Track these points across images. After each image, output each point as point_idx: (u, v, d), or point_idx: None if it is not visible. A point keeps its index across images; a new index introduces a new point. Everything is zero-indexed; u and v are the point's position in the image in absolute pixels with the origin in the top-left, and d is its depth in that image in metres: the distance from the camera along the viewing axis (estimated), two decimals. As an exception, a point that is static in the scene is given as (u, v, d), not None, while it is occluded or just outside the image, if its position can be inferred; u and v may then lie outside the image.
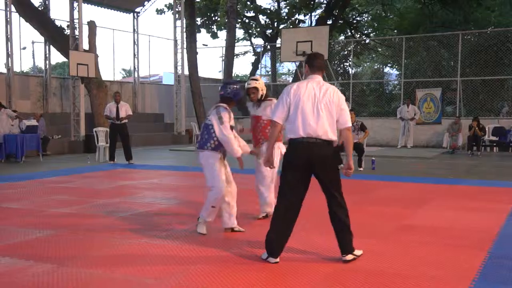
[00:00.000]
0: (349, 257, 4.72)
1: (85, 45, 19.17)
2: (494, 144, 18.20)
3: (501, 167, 13.65)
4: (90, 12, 77.28)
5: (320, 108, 4.67)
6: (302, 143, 4.66)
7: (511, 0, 26.72)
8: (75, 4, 18.60)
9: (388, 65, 36.13)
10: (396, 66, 32.44)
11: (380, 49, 35.50)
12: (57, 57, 60.52)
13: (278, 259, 4.70)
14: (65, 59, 24.13)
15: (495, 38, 23.56)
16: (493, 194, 8.69)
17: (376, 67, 40.34)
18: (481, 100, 22.08)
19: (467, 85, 21.78)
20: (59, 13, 41.53)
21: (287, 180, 4.73)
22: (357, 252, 4.79)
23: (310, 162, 4.67)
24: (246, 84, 6.50)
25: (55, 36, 20.28)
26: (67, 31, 19.74)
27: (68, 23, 19.42)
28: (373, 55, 38.21)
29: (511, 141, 17.77)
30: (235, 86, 5.94)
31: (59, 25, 20.89)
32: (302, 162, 4.68)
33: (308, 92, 4.73)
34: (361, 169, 12.15)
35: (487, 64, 21.82)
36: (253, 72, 33.67)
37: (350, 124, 4.82)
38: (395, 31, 32.66)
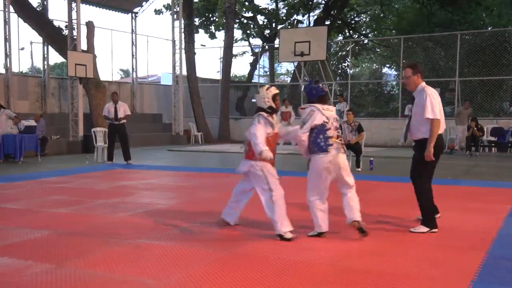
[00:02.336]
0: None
1: (83, 46, 19.16)
2: (493, 144, 18.22)
3: (500, 168, 13.66)
4: (88, 12, 77.26)
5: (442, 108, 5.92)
6: (441, 137, 5.93)
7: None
8: (73, 5, 18.58)
9: (387, 65, 36.15)
10: (394, 67, 32.46)
11: (378, 50, 35.50)
12: (55, 57, 60.36)
13: None
14: (63, 60, 24.19)
15: (493, 38, 23.58)
16: (492, 195, 8.70)
17: (374, 67, 40.37)
18: (480, 101, 22.10)
19: (465, 85, 21.80)
20: (58, 14, 41.59)
21: (433, 166, 5.98)
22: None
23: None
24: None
25: (53, 37, 20.29)
26: (65, 32, 19.73)
27: (66, 24, 19.40)
28: (372, 56, 38.23)
29: (509, 141, 17.78)
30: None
31: (57, 26, 20.89)
32: (441, 152, 6.05)
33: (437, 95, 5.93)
34: (359, 169, 12.15)
35: (485, 65, 21.83)
36: (251, 73, 33.69)
37: None
38: (394, 31, 32.68)
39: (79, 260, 4.80)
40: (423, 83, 5.97)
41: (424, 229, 5.87)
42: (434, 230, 5.87)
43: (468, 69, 22.87)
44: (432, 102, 5.74)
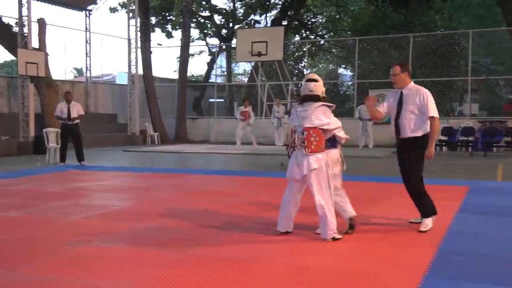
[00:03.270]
0: None
1: (35, 43, 18.73)
2: (444, 143, 18.67)
3: (450, 166, 14.00)
4: (39, 9, 75.50)
5: None
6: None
7: (463, 3, 27.52)
8: (24, 1, 18.13)
9: (342, 66, 36.66)
10: (350, 67, 32.93)
11: (334, 50, 35.94)
12: (4, 55, 58.79)
13: None
14: (13, 58, 23.53)
15: (443, 40, 24.20)
16: (442, 192, 8.87)
17: (330, 68, 40.87)
18: (431, 101, 22.60)
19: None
20: (7, 10, 40.50)
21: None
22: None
23: None
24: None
25: (2, 34, 19.74)
26: (16, 29, 19.23)
27: (17, 20, 18.92)
28: (328, 56, 38.69)
29: (459, 140, 18.25)
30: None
31: (6, 22, 20.34)
32: None
33: None
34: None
35: (436, 66, 22.38)
36: (208, 73, 33.57)
37: None
38: (349, 32, 33.13)
39: (31, 264, 4.68)
40: (412, 82, 6.11)
41: (430, 222, 5.97)
42: (435, 215, 6.07)
43: (420, 70, 23.35)
44: (432, 101, 5.93)
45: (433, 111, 5.91)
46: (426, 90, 6.02)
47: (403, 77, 6.05)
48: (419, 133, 6.01)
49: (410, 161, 6.18)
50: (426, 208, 6.06)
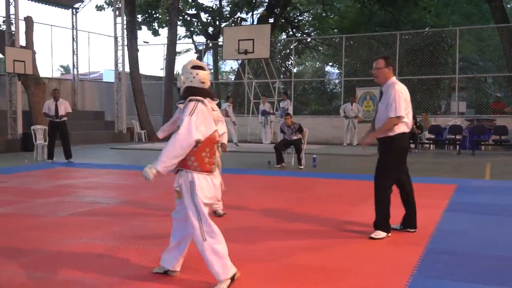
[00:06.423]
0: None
1: (22, 41, 18.61)
2: (431, 141, 18.79)
3: (437, 164, 14.10)
4: (27, 7, 74.93)
5: None
6: (406, 136, 5.72)
7: (450, 1, 27.63)
8: (11, -1, 18.00)
9: (329, 63, 36.72)
10: (337, 65, 33.01)
11: (321, 48, 35.97)
12: (-9, 53, 57.93)
13: None
14: (0, 56, 23.34)
15: (431, 38, 24.34)
16: (430, 191, 8.94)
17: (317, 65, 40.91)
18: (418, 99, 22.73)
19: (404, 84, 22.21)
20: (-6, 8, 40.12)
21: (396, 164, 5.73)
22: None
23: None
24: None
25: (-10, 32, 19.59)
26: (3, 27, 19.08)
27: (4, 19, 18.78)
28: (315, 54, 38.73)
29: (447, 138, 18.37)
30: None
31: (-6, 21, 20.18)
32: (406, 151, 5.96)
33: None
34: (302, 167, 12.27)
35: (423, 64, 22.48)
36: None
37: None
38: (336, 30, 33.18)
39: (17, 261, 4.65)
40: (394, 78, 5.71)
41: (383, 234, 5.53)
42: (389, 234, 5.58)
43: (407, 68, 23.48)
44: (397, 101, 5.45)
45: (393, 111, 5.43)
46: (400, 87, 5.60)
47: (386, 72, 5.67)
48: (390, 133, 5.51)
49: (378, 165, 5.68)
50: (384, 220, 5.57)
